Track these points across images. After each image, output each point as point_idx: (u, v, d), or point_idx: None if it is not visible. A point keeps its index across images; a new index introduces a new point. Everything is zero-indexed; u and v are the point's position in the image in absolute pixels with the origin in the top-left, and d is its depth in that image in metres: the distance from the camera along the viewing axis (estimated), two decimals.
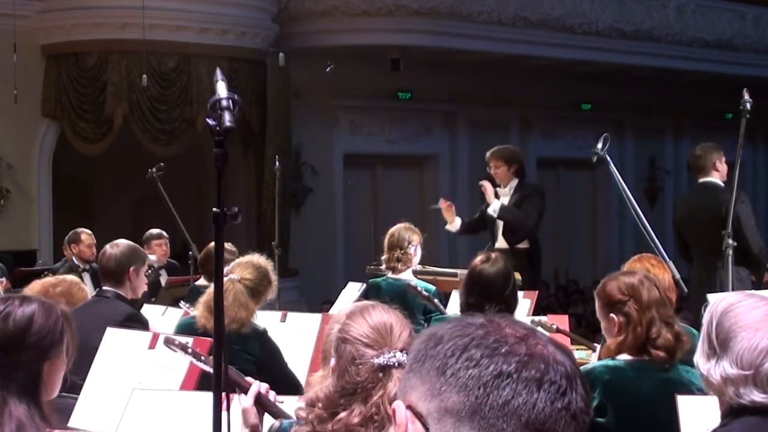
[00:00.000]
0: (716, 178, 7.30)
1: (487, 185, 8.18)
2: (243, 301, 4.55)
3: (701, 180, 7.38)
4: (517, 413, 1.20)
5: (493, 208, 8.12)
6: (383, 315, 2.71)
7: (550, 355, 1.24)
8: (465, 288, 4.74)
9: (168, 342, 3.54)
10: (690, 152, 7.70)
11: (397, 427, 1.26)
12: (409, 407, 1.26)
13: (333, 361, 2.68)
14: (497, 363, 1.22)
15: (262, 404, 3.19)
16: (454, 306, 6.04)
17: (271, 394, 3.24)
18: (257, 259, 4.81)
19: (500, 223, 8.22)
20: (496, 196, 8.26)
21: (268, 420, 3.19)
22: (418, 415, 1.25)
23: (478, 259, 4.78)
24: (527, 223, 8.19)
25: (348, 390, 2.61)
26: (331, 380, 2.66)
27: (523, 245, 8.23)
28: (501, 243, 8.24)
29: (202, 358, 3.48)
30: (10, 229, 12.92)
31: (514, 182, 8.30)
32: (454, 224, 8.42)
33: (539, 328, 2.23)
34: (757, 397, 2.55)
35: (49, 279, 5.19)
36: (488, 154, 8.47)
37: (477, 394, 1.22)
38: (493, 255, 4.84)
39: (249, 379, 3.27)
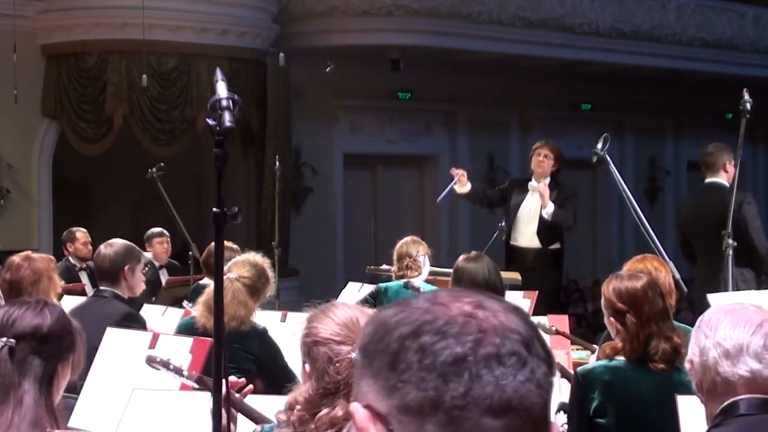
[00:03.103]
0: (723, 179, 7.19)
1: (545, 191, 8.26)
2: (242, 299, 4.57)
3: (708, 180, 7.29)
4: (481, 397, 1.13)
5: (548, 212, 8.23)
6: (347, 311, 2.74)
7: (502, 325, 1.17)
8: (452, 286, 5.05)
9: (150, 361, 3.56)
10: (701, 150, 7.61)
11: (359, 430, 1.18)
12: (367, 407, 1.18)
13: (308, 367, 2.70)
14: (451, 347, 1.14)
15: (236, 407, 3.18)
16: None
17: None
18: (253, 257, 4.85)
19: (534, 223, 8.31)
20: (527, 189, 8.37)
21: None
22: (379, 416, 1.17)
23: (460, 258, 5.11)
24: (572, 226, 8.42)
25: (330, 389, 2.63)
26: (310, 384, 2.67)
27: (556, 246, 8.42)
28: (532, 242, 8.32)
29: (185, 373, 3.49)
30: (10, 229, 12.90)
31: (547, 179, 8.42)
32: (465, 188, 8.61)
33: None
34: (741, 370, 2.55)
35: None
36: (542, 142, 8.64)
37: (436, 385, 1.13)
38: (473, 253, 5.20)
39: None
